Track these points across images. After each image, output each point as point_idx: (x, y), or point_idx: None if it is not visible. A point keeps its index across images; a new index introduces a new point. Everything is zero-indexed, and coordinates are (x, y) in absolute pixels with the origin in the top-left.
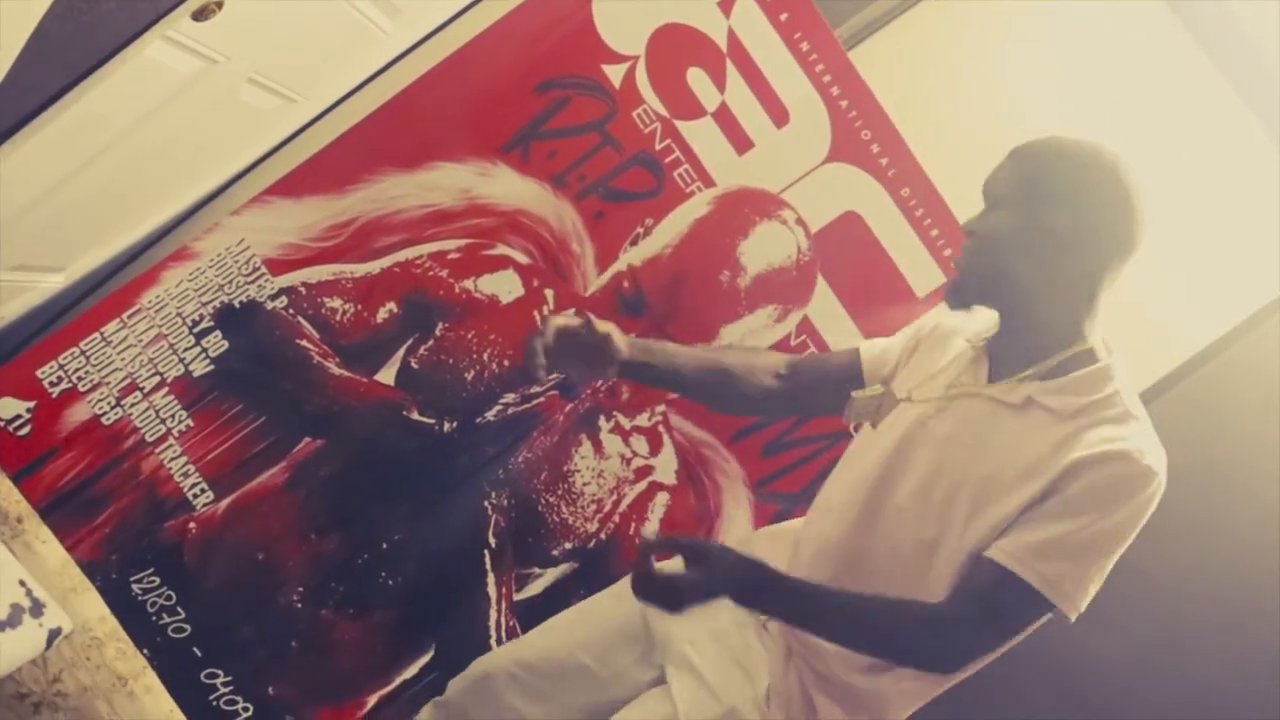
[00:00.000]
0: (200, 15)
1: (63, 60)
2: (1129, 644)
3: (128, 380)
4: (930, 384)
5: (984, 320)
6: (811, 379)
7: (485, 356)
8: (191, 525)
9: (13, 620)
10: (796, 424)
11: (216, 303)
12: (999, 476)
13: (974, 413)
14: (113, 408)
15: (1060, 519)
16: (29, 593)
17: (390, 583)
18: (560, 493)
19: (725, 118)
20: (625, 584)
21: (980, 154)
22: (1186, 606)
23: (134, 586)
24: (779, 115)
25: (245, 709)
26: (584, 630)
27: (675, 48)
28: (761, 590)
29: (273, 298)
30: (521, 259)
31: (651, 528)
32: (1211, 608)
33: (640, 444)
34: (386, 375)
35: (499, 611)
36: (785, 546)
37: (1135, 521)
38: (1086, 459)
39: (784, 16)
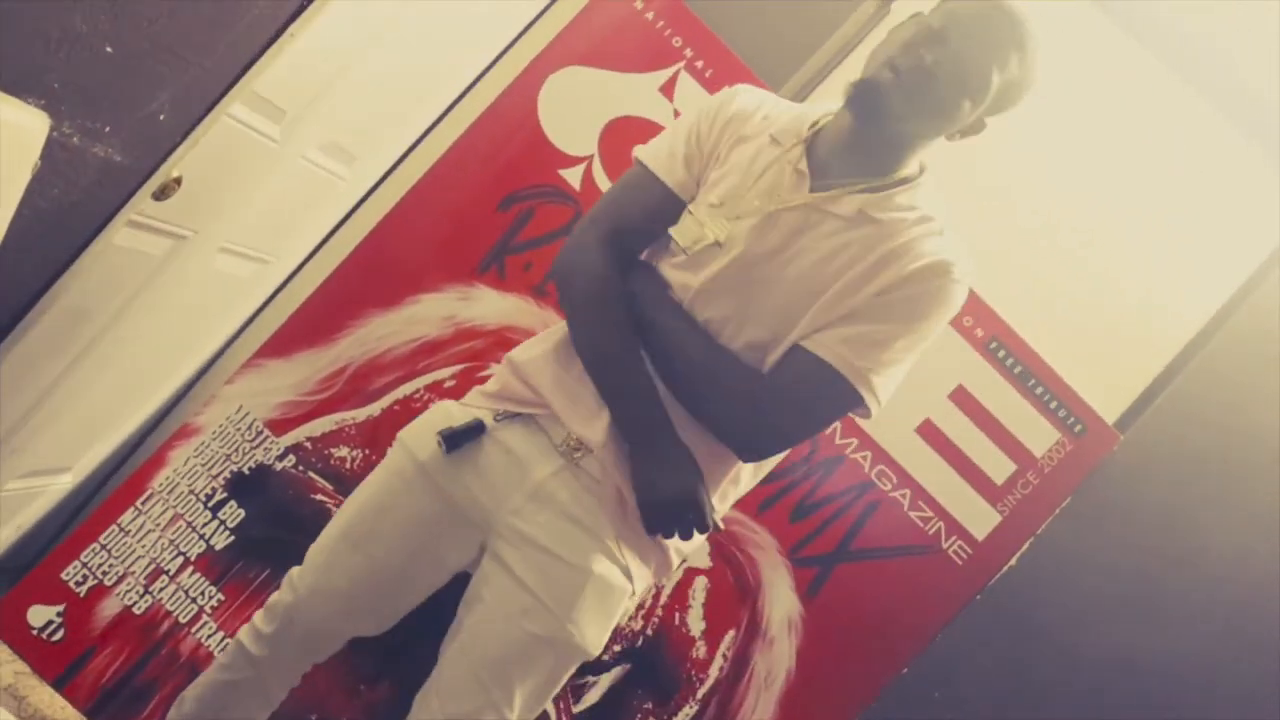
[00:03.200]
0: (161, 194)
1: (35, 261)
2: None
3: (152, 566)
4: (747, 199)
5: (788, 116)
6: (639, 225)
7: None
8: None
9: None
10: (816, 485)
11: (226, 473)
12: (823, 284)
13: (797, 223)
14: (142, 596)
15: (878, 320)
16: None
17: None
18: None
19: None
20: (395, 462)
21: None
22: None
23: None
24: None
25: None
26: (375, 546)
27: (627, 139)
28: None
29: (280, 458)
30: None
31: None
32: None
33: None
34: None
35: None
36: None
37: (941, 325)
38: (913, 272)
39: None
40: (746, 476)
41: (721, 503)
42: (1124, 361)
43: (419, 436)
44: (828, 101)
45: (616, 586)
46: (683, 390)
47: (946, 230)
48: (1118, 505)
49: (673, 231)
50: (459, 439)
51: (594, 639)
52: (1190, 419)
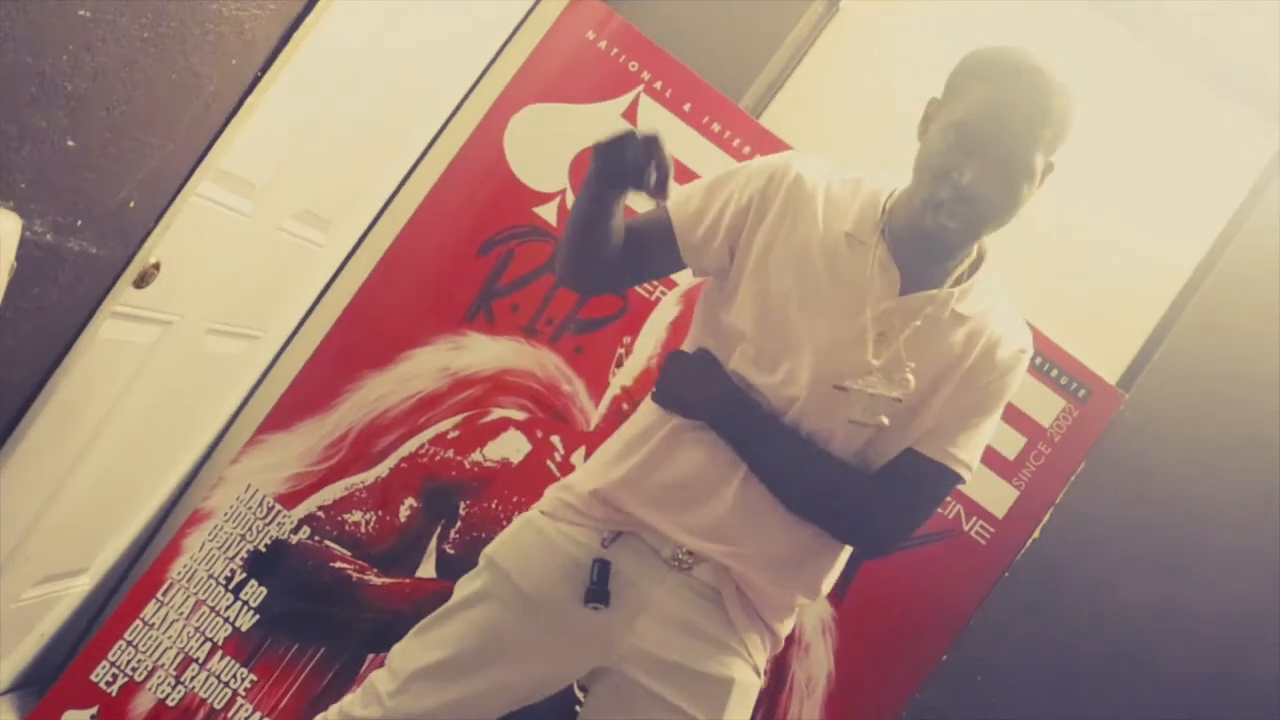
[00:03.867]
0: (141, 282)
1: (23, 363)
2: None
3: (181, 656)
4: (836, 300)
5: (856, 204)
6: (639, 249)
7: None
8: None
9: None
10: None
11: (243, 553)
12: (924, 389)
13: (891, 327)
14: (174, 687)
15: (979, 414)
16: None
17: None
18: None
19: None
20: (495, 587)
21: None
22: None
23: None
24: None
25: None
26: (481, 676)
27: None
28: (736, 406)
29: (294, 531)
30: (519, 415)
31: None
32: None
33: None
34: (427, 569)
35: None
36: None
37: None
38: (1003, 364)
39: (687, 106)
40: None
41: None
42: (1118, 320)
43: (520, 565)
44: (879, 171)
45: (753, 685)
46: (803, 506)
47: (1010, 304)
48: (1132, 463)
49: (853, 419)
50: (604, 591)
51: None
52: (1192, 367)
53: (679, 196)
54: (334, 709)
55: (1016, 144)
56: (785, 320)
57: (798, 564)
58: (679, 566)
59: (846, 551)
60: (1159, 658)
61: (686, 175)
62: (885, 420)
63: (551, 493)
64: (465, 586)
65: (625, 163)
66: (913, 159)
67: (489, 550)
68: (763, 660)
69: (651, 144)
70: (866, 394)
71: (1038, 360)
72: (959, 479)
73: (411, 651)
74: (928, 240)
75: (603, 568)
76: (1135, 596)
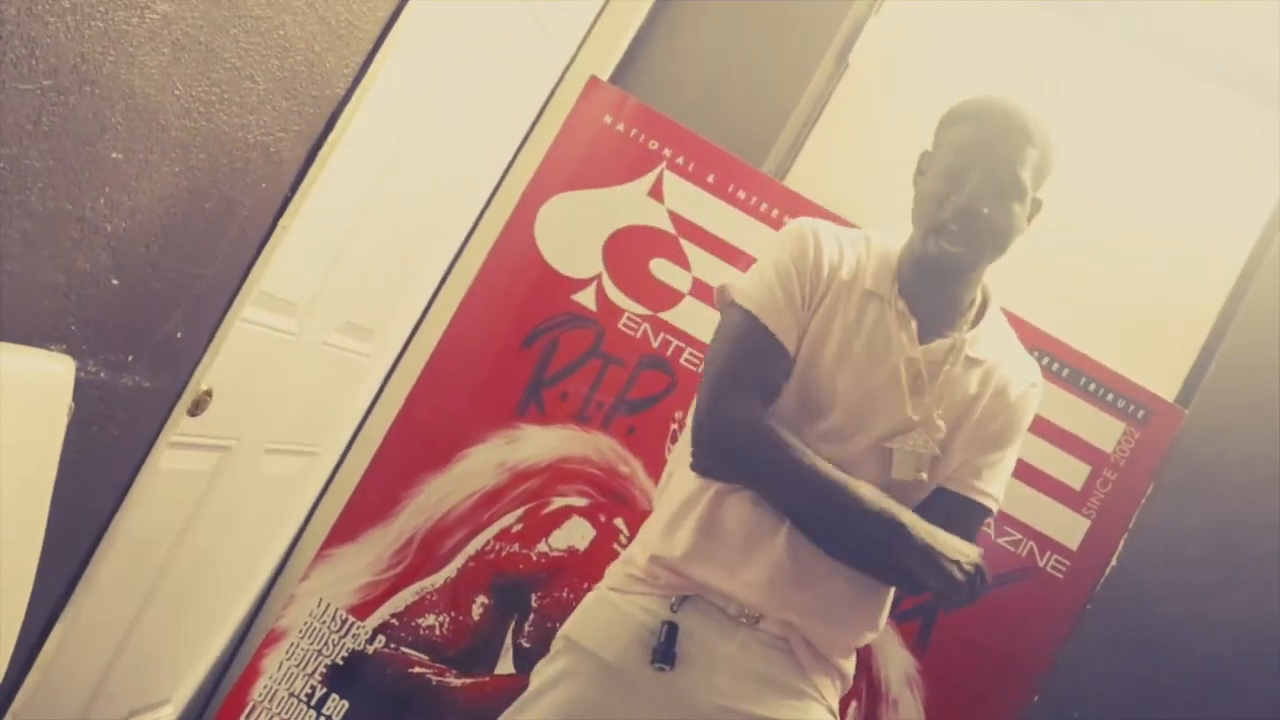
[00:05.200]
0: (195, 410)
1: (89, 502)
2: None
3: None
4: (867, 361)
5: (871, 261)
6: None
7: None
8: None
9: None
10: None
11: (321, 668)
12: (954, 430)
13: (915, 376)
14: None
15: (999, 449)
16: None
17: None
18: None
19: (703, 291)
20: (577, 667)
21: None
22: None
23: None
24: (749, 265)
25: None
26: None
27: (629, 251)
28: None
29: (370, 641)
30: (580, 502)
31: None
32: None
33: None
34: (505, 665)
35: None
36: None
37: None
38: (1016, 401)
39: (711, 178)
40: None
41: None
42: (1169, 335)
43: (596, 637)
44: (881, 230)
45: None
46: (845, 553)
47: (1013, 342)
48: (1201, 479)
49: (896, 476)
50: (671, 651)
51: None
52: (1251, 372)
53: (765, 309)
54: None
55: (1005, 163)
56: (821, 375)
57: (855, 604)
58: (746, 623)
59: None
60: (1252, 675)
61: (719, 245)
62: (924, 476)
63: (614, 569)
64: (543, 671)
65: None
66: None
67: (564, 630)
68: (835, 701)
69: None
70: (907, 451)
71: (1092, 386)
72: (988, 511)
73: None
74: (936, 279)
75: (671, 629)
76: (1222, 615)
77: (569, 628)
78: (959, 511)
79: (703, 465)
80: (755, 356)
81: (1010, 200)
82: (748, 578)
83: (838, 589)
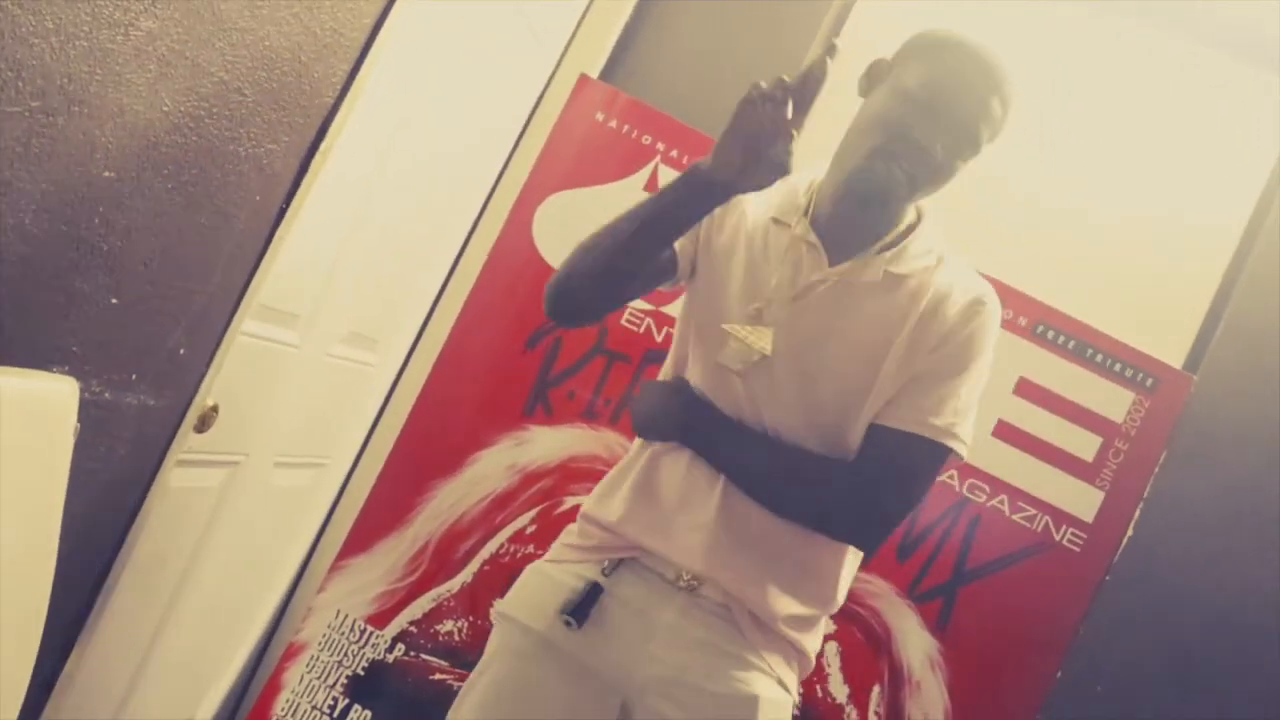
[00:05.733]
0: (202, 426)
1: (100, 523)
2: None
3: None
4: (772, 290)
5: (779, 193)
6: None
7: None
8: None
9: None
10: (914, 518)
11: (342, 679)
12: (874, 356)
13: (827, 302)
14: None
15: (942, 376)
16: None
17: None
18: None
19: None
20: (510, 640)
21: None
22: None
23: None
24: None
25: None
26: None
27: None
28: (694, 414)
29: (389, 650)
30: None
31: None
32: None
33: None
34: None
35: None
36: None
37: (991, 352)
38: (955, 319)
39: None
40: (856, 564)
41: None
42: (1174, 302)
43: (527, 609)
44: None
45: (782, 701)
46: (777, 503)
47: (959, 261)
48: (1214, 444)
49: (721, 360)
50: (584, 609)
51: None
52: (1257, 334)
53: None
54: None
55: (967, 110)
56: (731, 304)
57: (799, 572)
58: (685, 588)
59: (855, 555)
60: (1274, 637)
61: None
62: (752, 359)
63: (555, 543)
64: (486, 650)
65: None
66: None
67: (497, 605)
68: (790, 677)
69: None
70: (740, 338)
71: (1099, 357)
72: (940, 447)
73: None
74: (858, 203)
75: (594, 589)
76: (1242, 579)
77: (502, 601)
78: (897, 448)
79: (636, 430)
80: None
81: (960, 148)
82: (684, 541)
83: (777, 553)
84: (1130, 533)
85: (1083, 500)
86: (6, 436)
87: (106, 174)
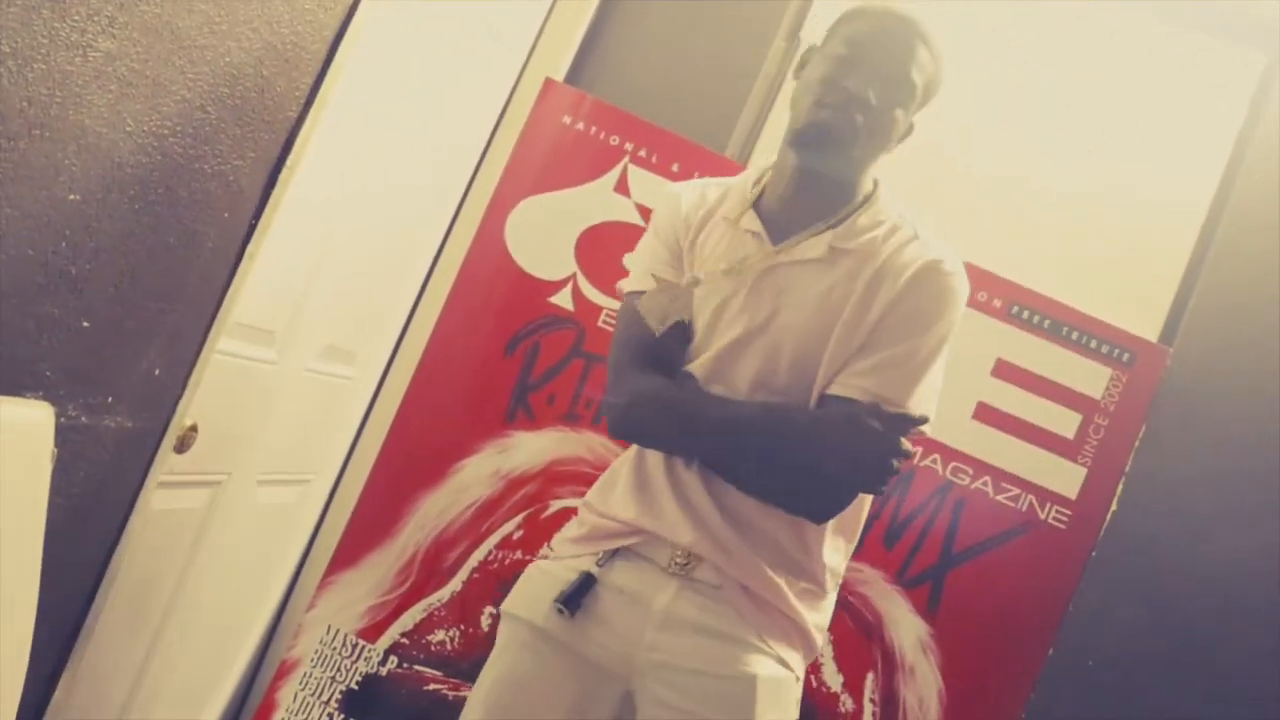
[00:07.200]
0: (181, 447)
1: (83, 549)
2: None
3: None
4: (723, 281)
5: (733, 190)
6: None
7: None
8: None
9: None
10: (899, 504)
11: (337, 695)
12: (824, 329)
13: (776, 283)
14: None
15: (892, 343)
16: None
17: None
18: None
19: None
20: (513, 637)
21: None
22: None
23: None
24: None
25: None
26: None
27: (600, 248)
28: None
29: (382, 663)
30: (578, 503)
31: None
32: None
33: None
34: None
35: None
36: None
37: (954, 321)
38: (905, 284)
39: (675, 167)
40: (844, 543)
41: (835, 579)
42: (1146, 275)
43: (528, 604)
44: (762, 160)
45: (782, 679)
46: (736, 483)
47: (920, 231)
48: (1194, 415)
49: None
50: (576, 598)
51: None
52: (1231, 304)
53: (637, 283)
54: None
55: (896, 58)
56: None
57: (785, 543)
58: (679, 572)
59: (834, 529)
60: (1262, 604)
61: None
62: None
63: (555, 537)
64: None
65: None
66: (893, 175)
67: (503, 605)
68: (793, 655)
69: None
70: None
71: (1074, 335)
72: (887, 415)
73: None
74: (806, 179)
75: (586, 579)
76: (1227, 547)
77: (505, 601)
78: (838, 415)
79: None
80: (636, 334)
81: (896, 94)
82: (672, 515)
83: (762, 525)
84: (1115, 508)
85: (1066, 477)
86: None
87: (71, 197)
